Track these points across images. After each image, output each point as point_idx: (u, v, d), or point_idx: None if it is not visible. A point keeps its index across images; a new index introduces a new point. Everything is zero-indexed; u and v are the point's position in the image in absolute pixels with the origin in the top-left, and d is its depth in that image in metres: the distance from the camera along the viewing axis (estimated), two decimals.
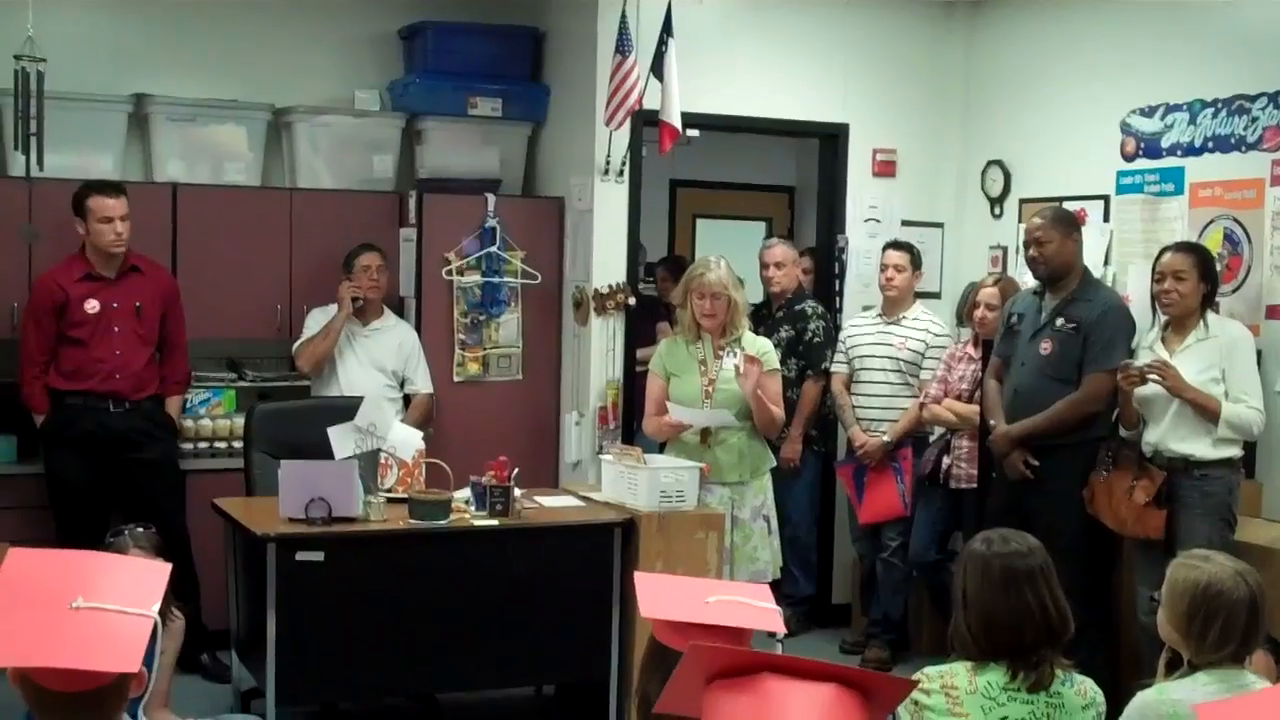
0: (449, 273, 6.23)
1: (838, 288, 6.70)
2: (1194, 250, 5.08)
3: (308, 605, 4.64)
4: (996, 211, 6.62)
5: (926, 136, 6.75)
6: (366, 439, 5.09)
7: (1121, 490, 5.01)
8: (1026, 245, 5.37)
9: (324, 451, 5.01)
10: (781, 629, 2.64)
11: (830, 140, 6.70)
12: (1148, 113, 5.83)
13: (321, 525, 4.63)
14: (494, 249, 6.26)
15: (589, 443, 6.18)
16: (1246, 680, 3.03)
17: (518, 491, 4.97)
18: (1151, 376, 4.88)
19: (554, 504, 5.20)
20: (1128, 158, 5.91)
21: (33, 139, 5.07)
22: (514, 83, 6.53)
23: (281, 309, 6.15)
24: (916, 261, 6.22)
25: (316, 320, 5.96)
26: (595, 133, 6.06)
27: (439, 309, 6.25)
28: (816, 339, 6.32)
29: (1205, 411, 4.87)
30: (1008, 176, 6.55)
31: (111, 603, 2.11)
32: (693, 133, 6.23)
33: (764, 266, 6.43)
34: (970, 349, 5.98)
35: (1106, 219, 5.97)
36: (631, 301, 6.22)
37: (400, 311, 6.26)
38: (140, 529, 4.61)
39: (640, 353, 6.28)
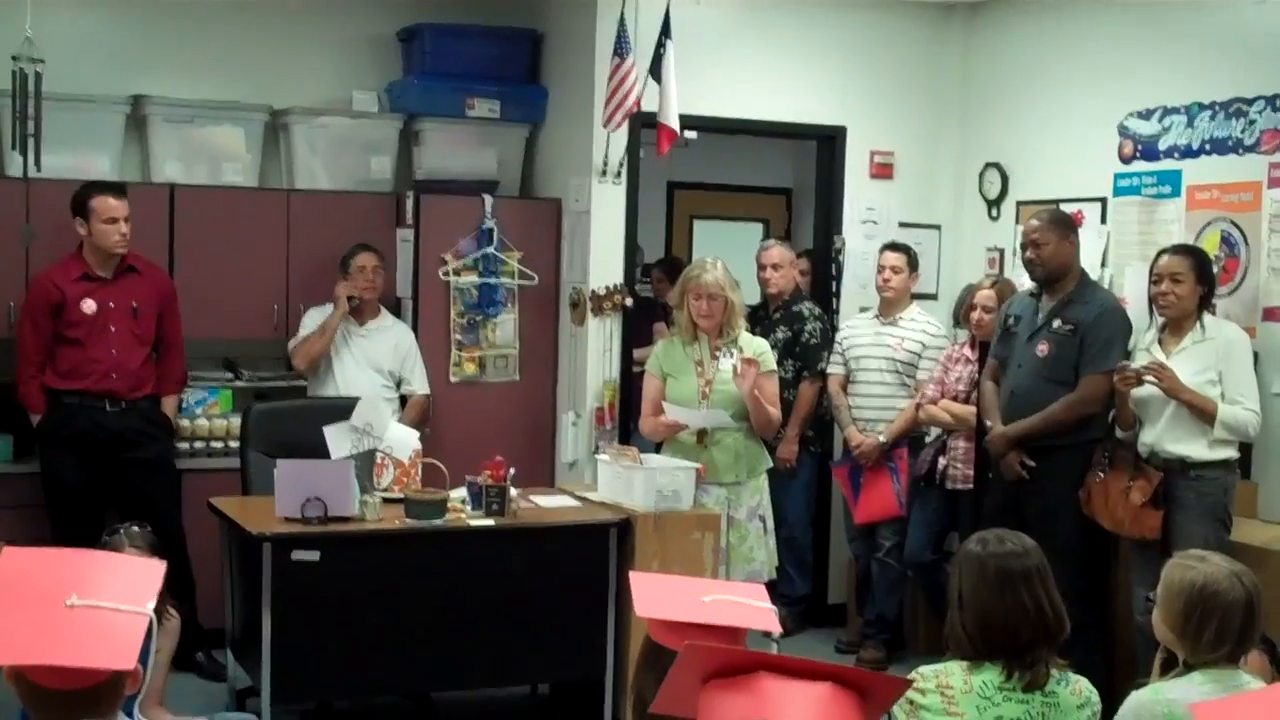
0: (446, 273, 6.23)
1: (835, 289, 6.70)
2: (1191, 252, 5.08)
3: (303, 604, 4.64)
4: (994, 213, 6.63)
5: (924, 138, 6.76)
6: (363, 439, 5.09)
7: (1118, 491, 5.02)
8: (1023, 247, 5.37)
9: (320, 451, 5.01)
10: (777, 628, 2.64)
11: (828, 142, 6.71)
12: (1145, 115, 5.83)
13: (317, 525, 4.63)
14: (491, 250, 6.27)
15: (585, 443, 6.19)
16: (1242, 680, 3.04)
17: (514, 491, 4.97)
18: (1148, 378, 4.89)
19: (550, 504, 5.20)
20: (1125, 160, 5.92)
21: (30, 139, 5.07)
22: (512, 84, 6.53)
23: (278, 309, 6.15)
24: (913, 263, 6.23)
25: (313, 319, 5.96)
26: (593, 134, 6.07)
27: (436, 309, 6.25)
28: (813, 340, 6.32)
29: (1202, 413, 4.87)
30: (1005, 178, 6.55)
31: (106, 600, 2.11)
32: (690, 134, 6.22)
33: (761, 268, 6.43)
34: (967, 350, 5.99)
35: (1104, 221, 5.98)
36: (628, 302, 6.22)
37: (397, 312, 6.26)
38: (136, 528, 4.59)
39: (637, 353, 6.28)
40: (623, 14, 5.78)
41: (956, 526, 5.93)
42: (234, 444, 5.76)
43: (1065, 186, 6.15)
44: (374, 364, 5.99)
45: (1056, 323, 5.22)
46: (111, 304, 5.47)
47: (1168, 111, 5.73)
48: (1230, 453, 4.94)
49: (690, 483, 5.07)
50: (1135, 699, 3.08)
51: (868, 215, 6.71)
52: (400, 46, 6.60)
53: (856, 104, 6.63)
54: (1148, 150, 5.82)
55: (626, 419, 6.20)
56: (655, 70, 5.78)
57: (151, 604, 2.15)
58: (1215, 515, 4.88)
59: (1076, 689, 3.04)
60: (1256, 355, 5.15)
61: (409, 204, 6.27)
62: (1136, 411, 5.05)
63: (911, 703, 2.98)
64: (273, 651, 4.58)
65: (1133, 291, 5.67)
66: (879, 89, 6.67)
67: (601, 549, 4.98)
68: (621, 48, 5.78)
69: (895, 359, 6.15)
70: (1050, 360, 5.21)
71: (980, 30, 6.72)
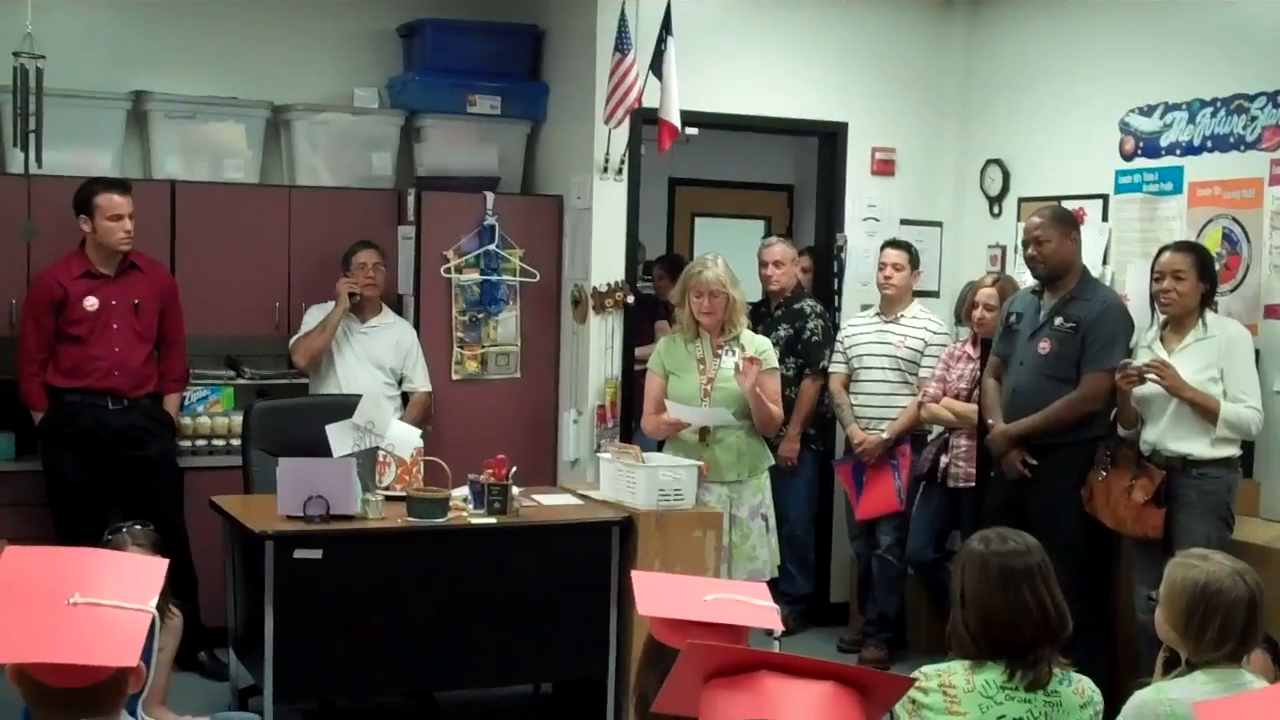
0: (448, 270, 6.23)
1: (836, 286, 6.70)
2: (1193, 249, 5.08)
3: (306, 603, 4.64)
4: (995, 210, 6.62)
5: (925, 135, 6.75)
6: (365, 437, 5.09)
7: (1120, 489, 5.01)
8: (1025, 244, 5.37)
9: (322, 449, 5.01)
10: (779, 627, 2.64)
11: (829, 139, 6.70)
12: (1147, 112, 5.83)
13: (319, 523, 4.63)
14: (493, 247, 6.26)
15: (587, 441, 6.18)
16: (1244, 679, 3.04)
17: (516, 490, 4.97)
18: (1150, 376, 4.88)
19: (552, 502, 5.20)
20: (1126, 157, 5.91)
21: (31, 136, 5.06)
22: (513, 80, 6.53)
23: (280, 306, 6.14)
24: (914, 260, 6.22)
25: (314, 317, 5.96)
26: (594, 131, 6.06)
27: (437, 307, 6.25)
28: (815, 338, 6.32)
29: (1204, 411, 4.87)
30: (1006, 175, 6.55)
31: (109, 598, 2.11)
32: (692, 131, 6.23)
33: (763, 265, 6.43)
34: (969, 348, 5.98)
35: (1105, 218, 5.97)
36: (630, 300, 6.22)
37: (399, 309, 6.26)
38: (138, 526, 4.60)
39: (639, 351, 6.28)
40: (624, 10, 5.77)
41: (958, 525, 5.93)
42: (236, 442, 5.76)
43: (1067, 183, 6.15)
44: (375, 361, 5.99)
45: (1058, 320, 5.22)
46: (114, 301, 5.47)
47: (1169, 108, 5.73)
48: (1232, 451, 4.94)
49: (692, 481, 5.07)
50: (1138, 698, 3.08)
51: (869, 212, 6.71)
52: (401, 43, 6.60)
53: (858, 100, 6.62)
54: (1149, 147, 5.81)
55: (628, 417, 6.20)
56: (656, 66, 5.78)
57: (154, 602, 2.15)
58: (1218, 514, 4.88)
59: (1079, 688, 3.04)
60: (1258, 352, 5.15)
61: (410, 201, 6.27)
62: (1138, 409, 5.05)
63: (914, 702, 2.98)
64: (275, 650, 4.58)
65: (1134, 289, 5.66)
66: (880, 85, 6.66)
67: (603, 547, 4.97)
68: (623, 44, 5.77)
69: (897, 357, 6.14)
70: (1052, 358, 5.21)
71: (982, 27, 6.72)
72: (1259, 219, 5.34)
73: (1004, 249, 6.52)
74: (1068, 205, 5.78)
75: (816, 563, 6.68)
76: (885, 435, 6.10)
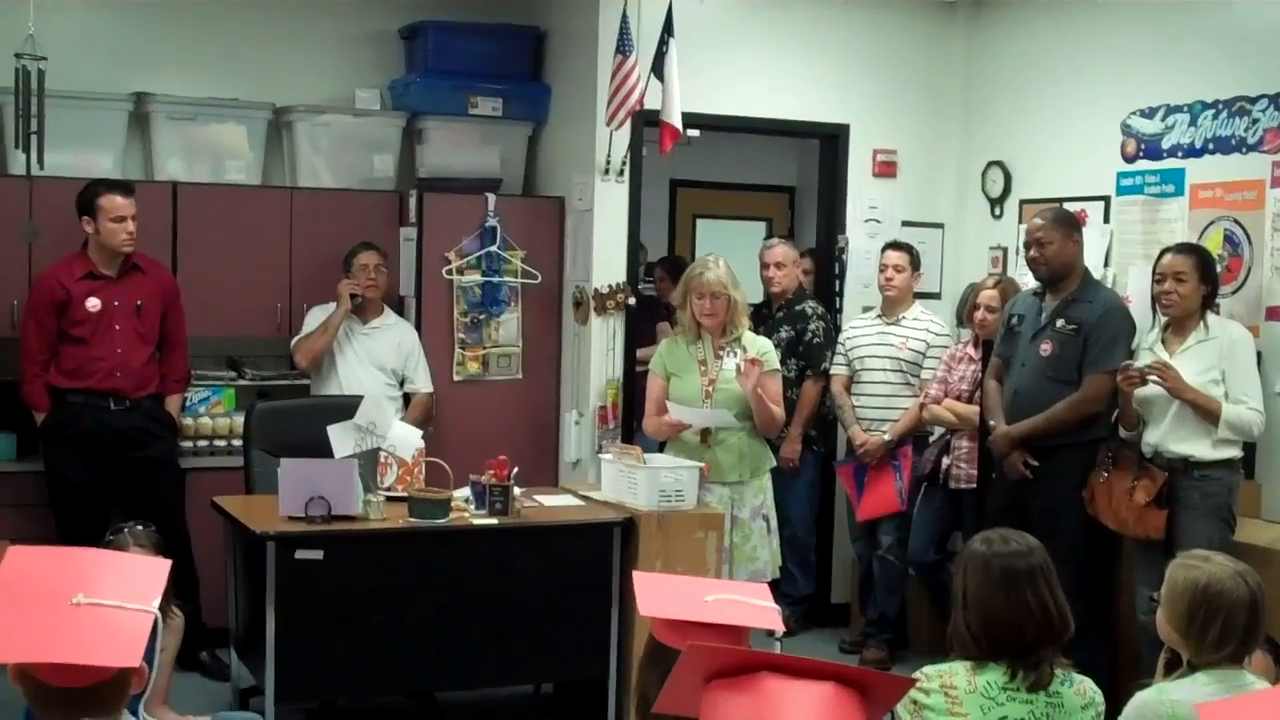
0: (449, 272, 6.23)
1: (838, 288, 6.70)
2: (1194, 251, 5.08)
3: (307, 603, 4.64)
4: (997, 212, 6.62)
5: (927, 137, 6.75)
6: (366, 437, 5.09)
7: (1122, 491, 5.01)
8: (1027, 246, 5.37)
9: (324, 450, 5.01)
10: (780, 627, 2.64)
11: (830, 140, 6.70)
12: (1148, 114, 5.83)
13: (321, 524, 4.64)
14: (494, 248, 6.27)
15: (589, 442, 6.18)
16: (1246, 681, 3.04)
17: (517, 490, 4.97)
18: (1151, 378, 4.88)
19: (553, 503, 5.20)
20: (1128, 159, 5.91)
21: (33, 137, 5.06)
22: (514, 82, 6.53)
23: (281, 307, 6.15)
24: (915, 262, 6.22)
25: (316, 318, 5.96)
26: (596, 132, 6.06)
27: (439, 308, 6.25)
28: (816, 339, 6.32)
29: (1205, 413, 4.87)
30: (1008, 177, 6.55)
31: (112, 599, 2.11)
32: (693, 133, 6.22)
33: (764, 266, 6.43)
34: (970, 350, 5.98)
35: (1107, 220, 5.97)
36: (631, 301, 6.22)
37: (400, 310, 6.26)
38: (140, 527, 4.61)
39: (640, 352, 6.28)
40: (625, 12, 5.78)
41: (960, 526, 5.93)
42: (237, 443, 5.76)
43: (1068, 185, 6.15)
44: (377, 362, 5.99)
45: (1060, 322, 5.22)
46: (116, 302, 5.47)
47: (1171, 110, 5.73)
48: (1234, 452, 4.94)
49: (694, 482, 5.07)
50: (1139, 700, 3.07)
51: (871, 214, 6.71)
52: (403, 44, 6.60)
53: (859, 102, 6.62)
54: (1151, 149, 5.82)
55: (630, 418, 6.20)
56: (658, 68, 5.79)
57: (157, 602, 2.15)
58: (1219, 515, 4.88)
59: (1081, 689, 3.04)
60: (1260, 354, 5.15)
61: (412, 202, 6.27)
62: (1140, 411, 5.05)
63: (915, 703, 2.98)
64: (276, 650, 4.58)
65: (1136, 290, 5.67)
66: (882, 87, 6.66)
67: (605, 548, 4.98)
68: (624, 45, 5.78)
69: (899, 358, 6.14)
70: (1054, 360, 5.21)
71: (983, 28, 6.72)
72: (1260, 221, 5.34)
73: (1005, 251, 6.52)
74: (1069, 207, 5.77)
75: (818, 564, 6.68)
76: (887, 437, 6.09)
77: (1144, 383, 4.91)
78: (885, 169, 6.71)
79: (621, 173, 6.13)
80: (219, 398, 6.10)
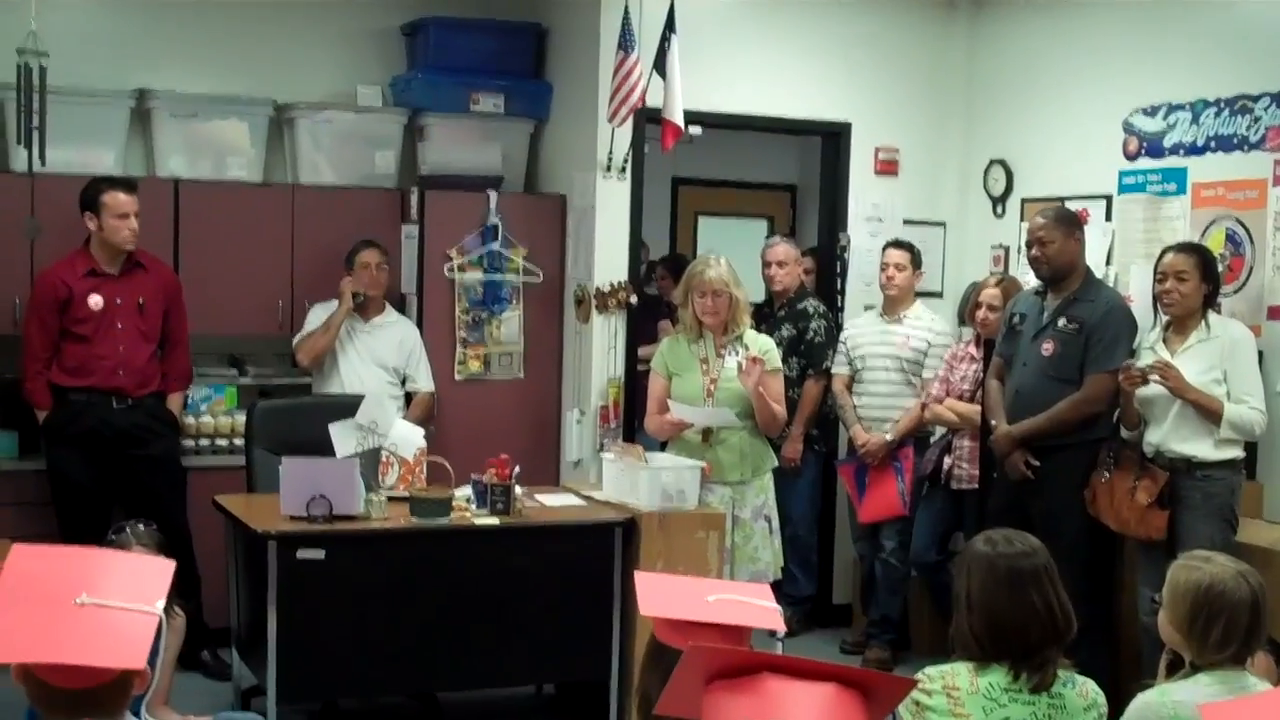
0: (450, 270, 6.23)
1: (839, 287, 6.70)
2: (1196, 250, 5.08)
3: (308, 603, 4.64)
4: (998, 211, 6.62)
5: (929, 135, 6.75)
6: (368, 436, 5.10)
7: (1123, 491, 5.01)
8: (1029, 245, 5.37)
9: (325, 449, 5.01)
10: (782, 628, 2.64)
11: (832, 139, 6.70)
12: (1150, 112, 5.83)
13: (322, 523, 4.64)
14: (496, 246, 6.26)
15: (590, 441, 6.18)
16: (1248, 682, 3.03)
17: (519, 490, 4.97)
18: (1153, 377, 4.88)
19: (555, 502, 5.20)
20: (1130, 157, 5.91)
21: (35, 134, 5.06)
22: (516, 79, 6.53)
23: (283, 305, 6.14)
24: (917, 260, 6.22)
25: (317, 316, 5.96)
26: (597, 130, 6.06)
27: (440, 306, 6.25)
28: (818, 338, 6.31)
29: (1207, 412, 4.87)
30: (1010, 176, 6.55)
31: (116, 599, 2.11)
32: (695, 130, 6.21)
33: (766, 265, 6.42)
34: (972, 349, 5.98)
35: (1109, 219, 5.97)
36: (633, 299, 6.22)
37: (402, 308, 6.26)
38: (142, 526, 4.61)
39: (642, 351, 6.28)
40: (627, 9, 5.77)
41: (961, 526, 5.93)
42: (239, 441, 5.76)
43: (1070, 184, 6.14)
44: (379, 361, 5.99)
45: (1062, 321, 5.21)
46: (118, 300, 5.47)
47: (1173, 108, 5.73)
48: (1236, 452, 4.94)
49: (695, 481, 5.06)
50: (1141, 700, 3.07)
51: (872, 212, 6.71)
52: (404, 41, 6.60)
53: (861, 100, 6.62)
54: (1153, 147, 5.81)
55: (631, 417, 6.20)
56: (660, 65, 5.78)
57: (161, 603, 2.15)
58: (1221, 515, 4.88)
59: (1083, 690, 3.04)
60: (1261, 354, 5.15)
61: (414, 200, 6.27)
62: (1142, 411, 5.05)
63: (917, 704, 2.98)
64: (278, 650, 4.58)
65: (1137, 290, 5.66)
66: (884, 85, 6.66)
67: (606, 548, 4.97)
68: (626, 43, 5.77)
69: (900, 357, 6.14)
70: (1055, 359, 5.20)
71: (985, 26, 6.71)
72: (1262, 220, 5.34)
73: (1007, 249, 6.52)
74: (1071, 206, 5.77)
75: (819, 564, 6.68)
76: (889, 436, 6.09)
77: (1145, 382, 4.90)
78: (887, 167, 6.71)
79: (623, 170, 6.13)
80: (220, 396, 6.10)
